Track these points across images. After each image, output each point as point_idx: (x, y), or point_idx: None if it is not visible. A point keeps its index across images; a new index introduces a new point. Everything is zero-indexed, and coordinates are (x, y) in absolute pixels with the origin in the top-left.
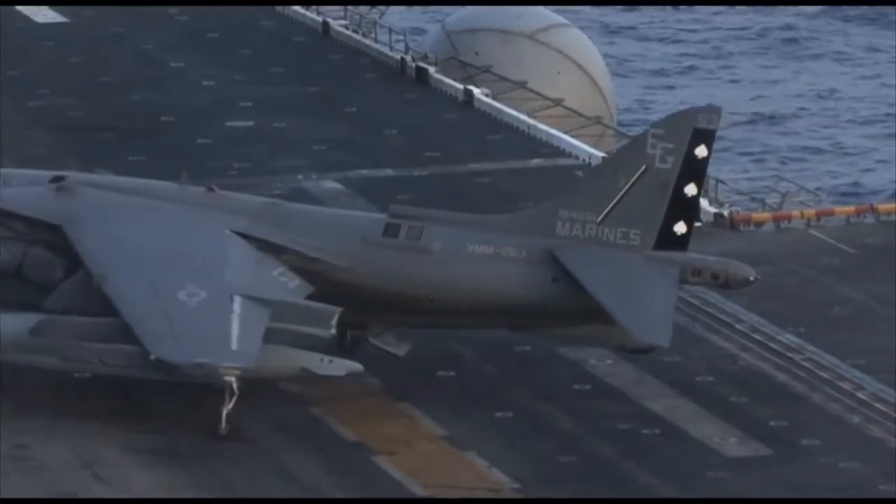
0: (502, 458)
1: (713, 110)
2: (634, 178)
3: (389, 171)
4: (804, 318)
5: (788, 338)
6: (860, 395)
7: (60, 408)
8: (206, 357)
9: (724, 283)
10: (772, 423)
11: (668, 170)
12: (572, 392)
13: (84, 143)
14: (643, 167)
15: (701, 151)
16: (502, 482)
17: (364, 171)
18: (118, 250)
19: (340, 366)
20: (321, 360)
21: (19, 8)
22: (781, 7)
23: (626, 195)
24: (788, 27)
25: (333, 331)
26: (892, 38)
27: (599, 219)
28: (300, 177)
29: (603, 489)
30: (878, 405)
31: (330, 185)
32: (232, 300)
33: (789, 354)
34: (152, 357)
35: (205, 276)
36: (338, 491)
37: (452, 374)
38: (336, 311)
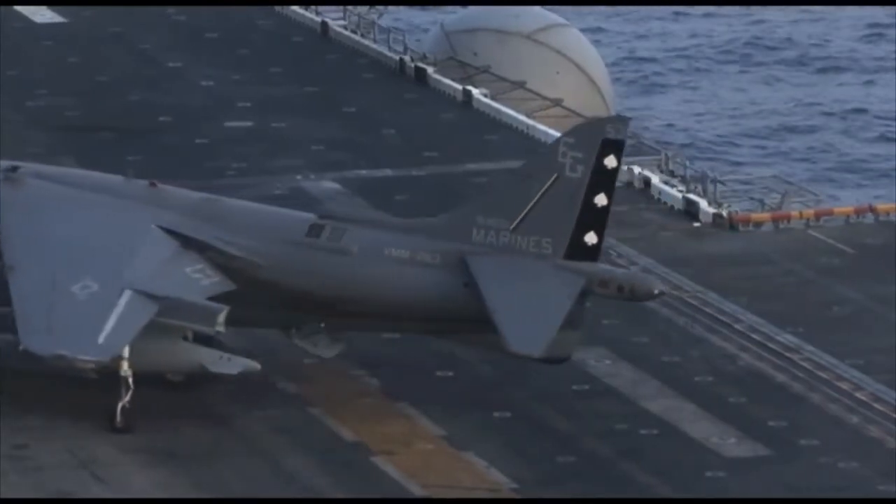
0: (501, 457)
1: (621, 120)
2: (546, 186)
3: (388, 172)
4: (803, 318)
5: (787, 338)
6: (859, 395)
7: (59, 408)
8: (68, 349)
9: (629, 296)
10: (771, 424)
11: (577, 179)
12: (571, 392)
13: (82, 144)
14: (554, 176)
15: (610, 162)
16: (501, 482)
17: (363, 172)
18: (34, 242)
19: (237, 364)
20: (220, 357)
21: (18, 8)
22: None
23: (538, 203)
24: (787, 37)
25: (220, 328)
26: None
27: (513, 226)
28: (299, 177)
29: (601, 489)
30: (876, 405)
31: (328, 185)
32: (121, 294)
33: (788, 354)
34: (21, 347)
35: (105, 270)
36: (336, 491)
37: (451, 374)
38: (222, 310)
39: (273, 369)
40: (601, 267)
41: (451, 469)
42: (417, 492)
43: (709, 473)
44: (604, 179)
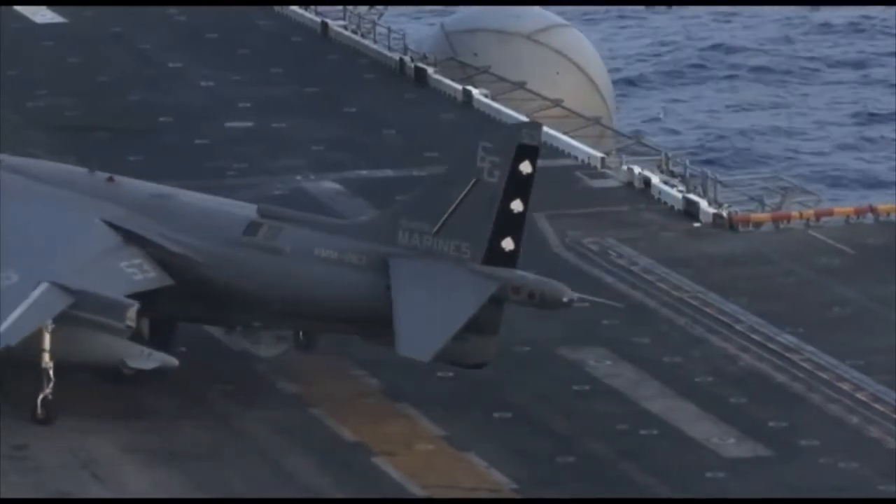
0: (501, 458)
1: (535, 126)
2: (465, 191)
3: (388, 172)
4: (803, 318)
5: (787, 338)
6: (859, 395)
7: (59, 408)
8: None
9: (539, 303)
10: (771, 424)
11: (494, 184)
12: (571, 393)
13: (82, 144)
14: (473, 180)
15: (525, 167)
16: (501, 482)
17: (363, 172)
18: None
19: (156, 359)
20: (141, 352)
21: (18, 8)
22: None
23: (458, 208)
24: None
25: (130, 323)
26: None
27: (435, 230)
28: (299, 177)
29: (601, 489)
30: (876, 406)
31: (329, 185)
32: (36, 286)
33: (788, 355)
34: None
35: (30, 262)
36: (337, 491)
37: (451, 374)
38: (132, 305)
39: (273, 369)
40: (516, 273)
41: (452, 469)
42: (418, 492)
43: (709, 474)
44: (519, 185)
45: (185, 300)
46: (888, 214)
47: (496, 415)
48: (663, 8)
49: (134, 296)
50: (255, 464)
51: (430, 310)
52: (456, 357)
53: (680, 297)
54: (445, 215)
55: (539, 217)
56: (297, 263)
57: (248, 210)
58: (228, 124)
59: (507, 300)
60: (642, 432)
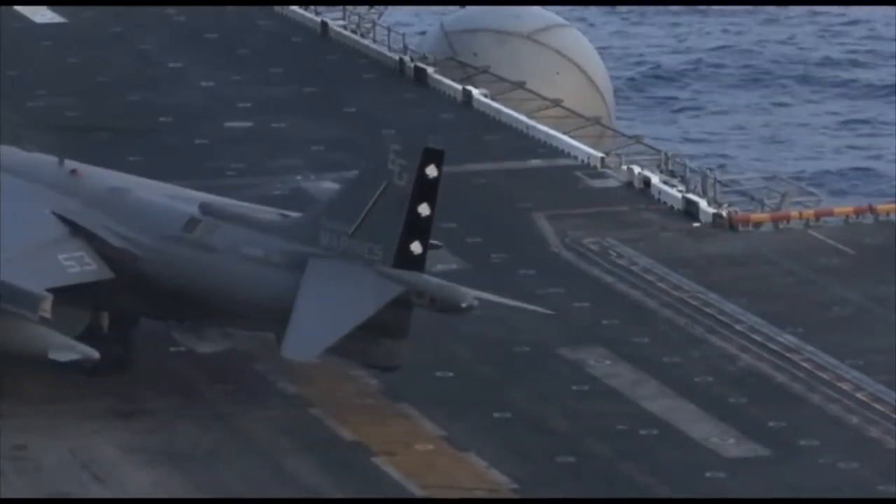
0: (501, 458)
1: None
2: (377, 193)
3: None
4: (803, 318)
5: (787, 338)
6: (859, 395)
7: (59, 408)
8: None
9: (440, 307)
10: (770, 424)
11: (403, 187)
12: (571, 393)
13: (82, 144)
14: (385, 183)
15: (431, 171)
16: (501, 482)
17: None
18: None
19: (77, 351)
20: (65, 343)
21: (18, 8)
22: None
23: (371, 210)
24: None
25: (45, 314)
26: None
27: (351, 231)
28: (298, 177)
29: (601, 490)
30: (876, 406)
31: (328, 185)
32: None
33: (788, 355)
34: None
35: None
36: (337, 491)
37: (451, 374)
38: (46, 297)
39: (273, 369)
40: (422, 277)
41: (451, 469)
42: (417, 492)
43: (708, 474)
44: (426, 188)
45: (127, 294)
46: (888, 214)
47: (496, 415)
48: (662, 8)
49: (73, 288)
50: (255, 464)
51: (324, 312)
52: (369, 359)
53: (680, 297)
54: (360, 217)
55: (539, 217)
56: (225, 261)
57: (193, 206)
58: (228, 124)
59: (413, 304)
60: (642, 432)
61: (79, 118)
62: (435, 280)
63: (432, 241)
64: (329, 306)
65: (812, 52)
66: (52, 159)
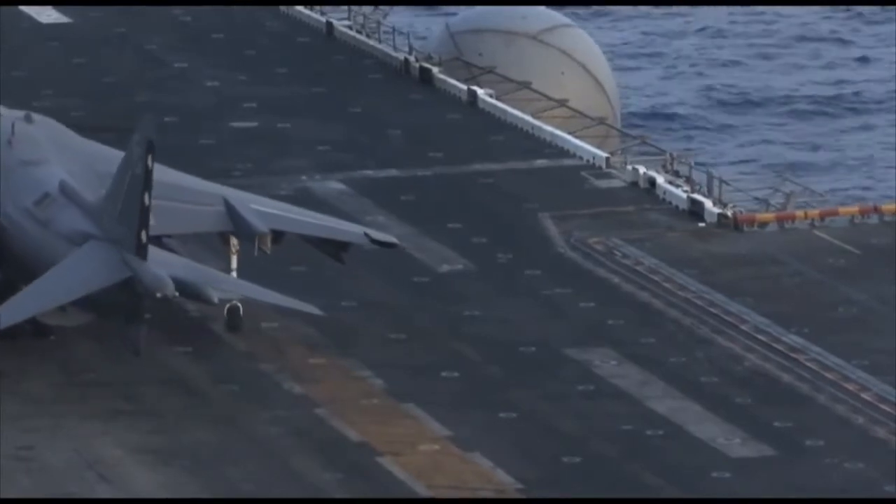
0: (507, 458)
1: (151, 119)
2: (128, 180)
3: (393, 172)
4: (809, 318)
5: (793, 338)
6: (865, 396)
7: (64, 408)
8: None
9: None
10: (776, 424)
11: (139, 176)
12: (577, 393)
13: None
14: (131, 171)
15: (150, 162)
16: (506, 483)
17: (368, 172)
18: None
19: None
20: None
21: (23, 8)
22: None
23: (126, 197)
24: (803, 25)
25: None
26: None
27: (118, 216)
28: (304, 178)
29: (607, 490)
30: (883, 406)
31: (334, 185)
32: None
33: (794, 355)
34: None
35: None
36: (342, 491)
37: (457, 374)
38: None
39: (279, 369)
40: (143, 265)
41: (457, 470)
42: (423, 492)
43: (714, 474)
44: (147, 179)
45: (3, 265)
46: (893, 214)
47: (502, 415)
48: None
49: None
50: (261, 464)
51: (36, 289)
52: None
53: (686, 297)
54: (120, 203)
55: (544, 217)
56: (46, 239)
57: (56, 180)
58: (234, 124)
59: (139, 291)
60: (648, 433)
61: (84, 118)
62: (152, 270)
63: (391, 240)
64: (43, 285)
65: (818, 50)
66: (17, 114)
